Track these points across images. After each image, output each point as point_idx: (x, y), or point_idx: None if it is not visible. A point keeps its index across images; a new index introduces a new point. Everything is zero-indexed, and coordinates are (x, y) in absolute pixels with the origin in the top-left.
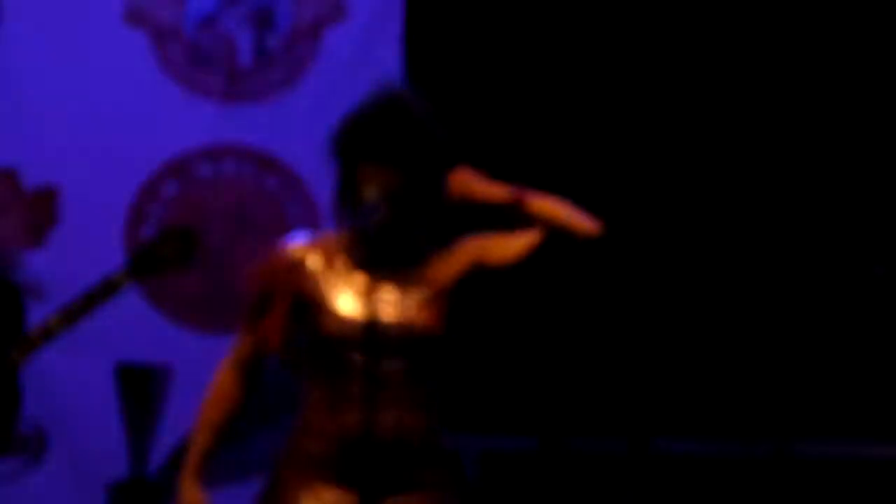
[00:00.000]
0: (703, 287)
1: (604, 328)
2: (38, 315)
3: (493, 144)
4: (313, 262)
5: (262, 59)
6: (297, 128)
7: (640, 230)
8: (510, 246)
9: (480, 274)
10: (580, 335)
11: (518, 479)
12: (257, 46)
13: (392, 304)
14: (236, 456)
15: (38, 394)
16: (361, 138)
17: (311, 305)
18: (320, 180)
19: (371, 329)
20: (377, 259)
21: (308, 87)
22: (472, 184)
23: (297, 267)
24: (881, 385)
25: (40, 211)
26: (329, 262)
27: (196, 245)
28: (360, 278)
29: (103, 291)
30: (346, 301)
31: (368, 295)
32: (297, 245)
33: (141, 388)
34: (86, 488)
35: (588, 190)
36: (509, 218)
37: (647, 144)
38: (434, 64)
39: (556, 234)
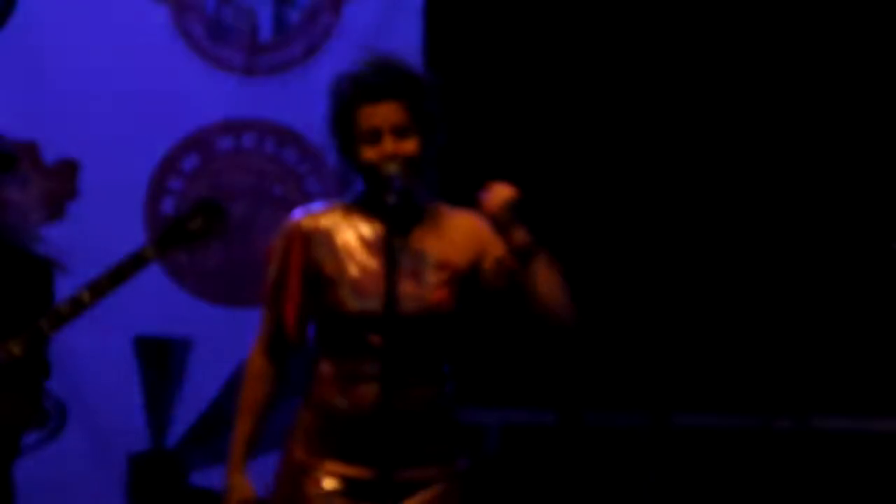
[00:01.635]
0: (723, 261)
1: (623, 302)
2: (58, 287)
3: (512, 120)
4: (326, 234)
5: (282, 34)
6: (317, 102)
7: (661, 207)
8: (498, 276)
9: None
10: (599, 310)
11: (537, 453)
12: (277, 21)
13: (408, 280)
14: None
15: (59, 368)
16: (357, 83)
17: (325, 279)
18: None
19: (388, 306)
20: (395, 231)
21: (328, 61)
22: (508, 203)
23: (309, 239)
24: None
25: (60, 184)
26: (343, 235)
27: (223, 218)
28: (376, 252)
29: (132, 265)
30: (363, 276)
31: (386, 270)
32: (309, 217)
33: (161, 362)
34: (107, 461)
35: (602, 164)
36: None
37: (674, 117)
38: (454, 39)
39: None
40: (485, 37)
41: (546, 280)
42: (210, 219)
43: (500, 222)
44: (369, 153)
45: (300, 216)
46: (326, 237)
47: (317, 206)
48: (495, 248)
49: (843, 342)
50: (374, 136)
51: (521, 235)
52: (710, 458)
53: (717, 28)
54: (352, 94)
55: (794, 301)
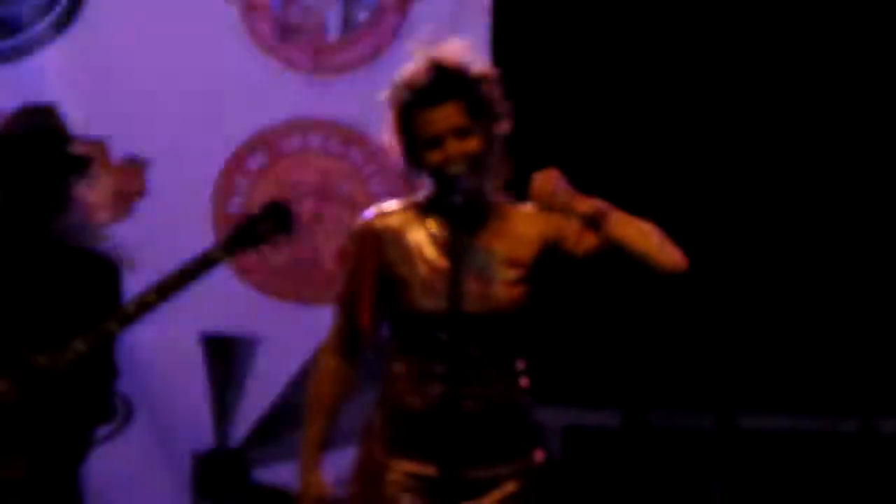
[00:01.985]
0: (789, 260)
1: (687, 302)
2: (126, 286)
3: (577, 123)
4: (397, 233)
5: (349, 34)
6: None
7: (720, 205)
8: (585, 242)
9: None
10: (664, 309)
11: (600, 453)
12: (344, 21)
13: (476, 279)
14: None
15: (126, 364)
16: (414, 88)
17: (396, 279)
18: None
19: (455, 305)
20: (462, 231)
21: (395, 61)
22: (555, 187)
23: (380, 240)
24: None
25: (128, 182)
26: (413, 234)
27: (291, 221)
28: (444, 252)
29: (200, 266)
30: (431, 276)
31: (453, 270)
32: (380, 217)
33: (227, 359)
34: (173, 457)
35: (666, 158)
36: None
37: (720, 122)
38: (521, 40)
39: (633, 262)
40: (551, 34)
41: (631, 233)
42: (278, 221)
43: (554, 206)
44: (433, 156)
45: (371, 216)
46: (397, 237)
47: (387, 205)
48: (568, 225)
49: None
50: (436, 140)
51: (581, 205)
52: (776, 460)
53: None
54: (410, 99)
55: (860, 302)
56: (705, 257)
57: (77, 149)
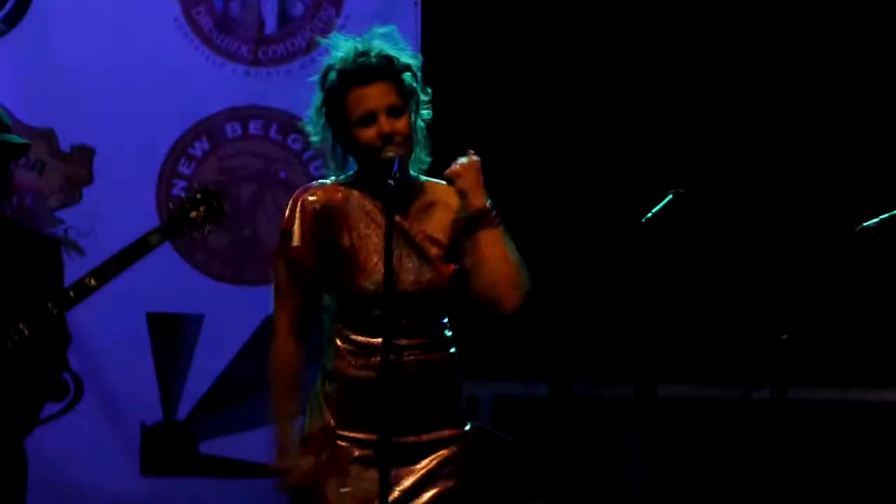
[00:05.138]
0: (704, 239)
1: (610, 279)
2: (73, 267)
3: (506, 112)
4: (338, 209)
5: (287, 27)
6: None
7: (643, 185)
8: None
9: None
10: (588, 286)
11: (529, 423)
12: (281, 14)
13: (408, 257)
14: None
15: (76, 343)
16: (347, 68)
17: (339, 254)
18: None
19: (389, 283)
20: (394, 211)
21: (328, 52)
22: (465, 172)
23: (324, 214)
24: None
25: (77, 169)
26: (352, 212)
27: (224, 205)
28: (376, 230)
29: (138, 249)
30: (366, 253)
31: (386, 248)
32: (321, 192)
33: (172, 337)
34: (122, 431)
35: (587, 145)
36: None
37: (650, 102)
38: (450, 33)
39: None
40: (479, 28)
41: (493, 249)
42: (210, 207)
43: (463, 188)
44: (366, 135)
45: (314, 190)
46: (338, 213)
47: (322, 182)
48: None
49: (817, 316)
50: (369, 118)
51: (479, 199)
52: (693, 427)
53: (711, 26)
54: (343, 79)
55: (769, 279)
56: (623, 237)
57: (18, 134)
